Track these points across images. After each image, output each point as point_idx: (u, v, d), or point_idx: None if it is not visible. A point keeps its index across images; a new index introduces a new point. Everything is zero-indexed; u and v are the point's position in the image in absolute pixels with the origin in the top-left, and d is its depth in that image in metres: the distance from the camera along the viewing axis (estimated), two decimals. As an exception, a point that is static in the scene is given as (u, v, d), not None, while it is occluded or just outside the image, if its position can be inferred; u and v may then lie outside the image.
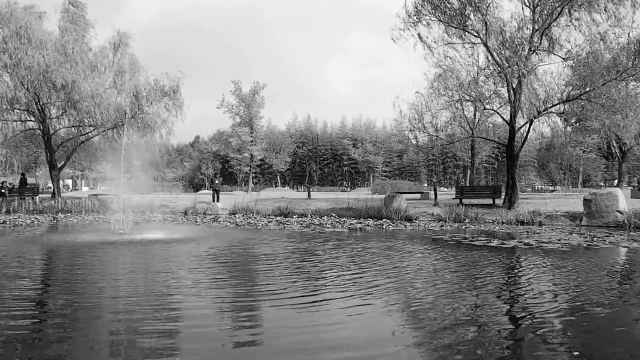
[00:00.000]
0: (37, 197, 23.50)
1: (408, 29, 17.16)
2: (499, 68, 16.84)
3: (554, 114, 17.61)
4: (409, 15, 17.05)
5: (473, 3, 16.07)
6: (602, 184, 70.91)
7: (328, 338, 3.65)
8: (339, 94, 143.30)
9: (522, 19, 16.49)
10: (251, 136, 45.23)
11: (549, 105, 16.50)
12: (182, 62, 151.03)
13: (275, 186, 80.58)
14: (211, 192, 32.78)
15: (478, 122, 22.89)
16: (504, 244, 9.25)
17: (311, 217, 16.79)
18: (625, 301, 4.76)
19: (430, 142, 20.47)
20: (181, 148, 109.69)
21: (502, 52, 16.40)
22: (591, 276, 5.98)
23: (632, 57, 14.58)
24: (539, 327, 3.88)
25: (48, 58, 19.73)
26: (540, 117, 16.86)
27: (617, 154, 27.26)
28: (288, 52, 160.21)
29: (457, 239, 10.23)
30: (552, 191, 55.49)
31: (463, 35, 17.23)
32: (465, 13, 16.44)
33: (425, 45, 17.34)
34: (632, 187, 30.24)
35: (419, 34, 17.21)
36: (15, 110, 22.08)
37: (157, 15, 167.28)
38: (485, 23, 16.14)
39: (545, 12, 15.79)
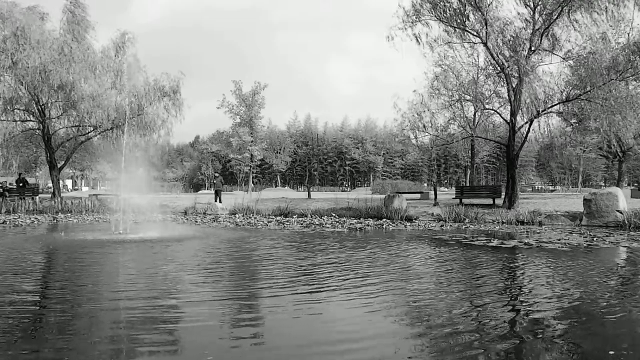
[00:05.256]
0: (37, 197, 23.50)
1: (406, 29, 17.14)
2: (498, 68, 16.83)
3: (554, 114, 17.60)
4: (407, 15, 17.03)
5: (473, 2, 16.05)
6: (602, 183, 70.92)
7: (328, 337, 3.65)
8: (339, 94, 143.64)
9: (522, 18, 16.50)
10: (251, 136, 45.25)
11: (549, 105, 16.49)
12: (182, 63, 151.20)
13: (276, 186, 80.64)
14: (212, 192, 32.81)
15: (478, 122, 22.88)
16: (504, 243, 9.25)
17: (311, 217, 16.78)
18: (625, 301, 4.75)
19: (430, 142, 20.46)
20: (181, 148, 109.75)
21: (502, 52, 16.40)
22: (591, 276, 5.98)
23: (632, 57, 14.57)
24: (539, 326, 3.88)
25: (45, 58, 19.69)
26: (540, 117, 16.85)
27: (618, 153, 27.27)
28: (289, 52, 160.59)
29: (457, 238, 10.22)
30: (552, 191, 55.53)
31: (462, 35, 17.22)
32: (465, 12, 16.43)
33: (423, 45, 17.34)
34: (632, 187, 30.26)
35: (417, 34, 17.20)
36: (15, 110, 22.09)
37: (158, 17, 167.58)
38: (485, 23, 16.13)
39: (545, 12, 15.79)
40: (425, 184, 79.24)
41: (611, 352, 3.22)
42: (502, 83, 17.77)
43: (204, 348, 3.33)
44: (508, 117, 17.84)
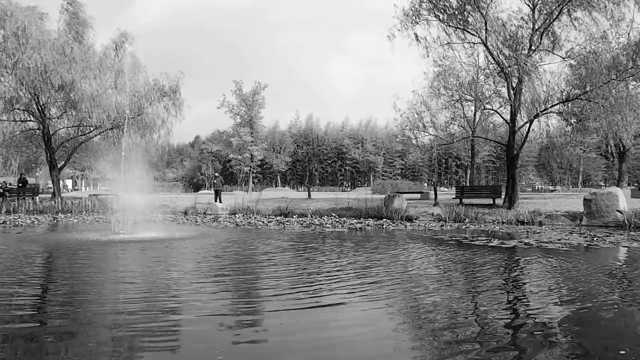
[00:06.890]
0: (37, 198, 23.50)
1: (405, 29, 17.11)
2: (498, 67, 16.81)
3: (554, 114, 17.59)
4: (406, 16, 17.01)
5: (472, 2, 16.03)
6: (602, 183, 70.87)
7: (330, 338, 3.65)
8: (340, 94, 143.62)
9: (522, 17, 16.47)
10: (252, 136, 45.31)
11: (549, 105, 16.47)
12: (182, 63, 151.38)
13: (276, 186, 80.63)
14: (212, 192, 32.75)
15: (478, 122, 22.89)
16: (504, 243, 9.24)
17: (311, 217, 16.77)
18: (625, 301, 4.75)
19: (430, 142, 20.47)
20: (181, 148, 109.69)
21: (502, 52, 16.37)
22: (591, 276, 5.97)
23: (632, 57, 14.56)
24: (539, 326, 3.88)
25: (46, 58, 19.68)
26: (540, 117, 16.83)
27: (615, 154, 27.23)
28: (289, 52, 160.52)
29: (457, 238, 10.22)
30: (552, 191, 55.49)
31: (462, 35, 17.20)
32: (465, 12, 16.40)
33: (423, 45, 17.32)
34: (632, 187, 30.26)
35: (416, 35, 17.18)
36: (15, 110, 22.08)
37: (158, 17, 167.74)
38: (485, 22, 16.11)
39: (545, 10, 15.77)
40: (426, 184, 79.19)
41: (622, 352, 3.22)
42: (502, 83, 17.76)
43: (214, 348, 3.34)
44: (508, 117, 17.83)
